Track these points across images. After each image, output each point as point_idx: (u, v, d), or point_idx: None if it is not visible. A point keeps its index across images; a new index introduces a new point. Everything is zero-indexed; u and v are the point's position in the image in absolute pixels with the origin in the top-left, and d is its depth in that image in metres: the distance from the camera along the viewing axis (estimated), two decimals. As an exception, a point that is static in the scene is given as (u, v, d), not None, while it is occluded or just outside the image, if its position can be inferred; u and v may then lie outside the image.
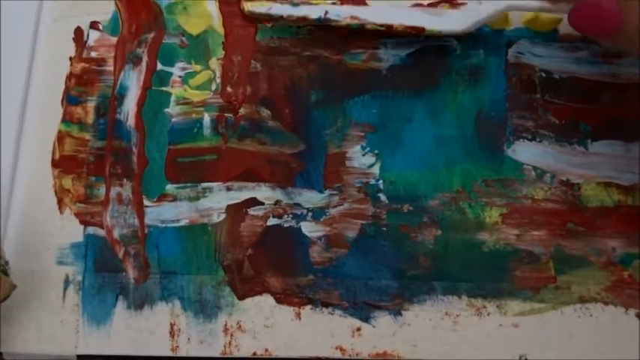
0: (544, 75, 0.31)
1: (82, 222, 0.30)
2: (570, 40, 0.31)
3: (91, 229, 0.30)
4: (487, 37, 0.31)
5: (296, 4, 0.31)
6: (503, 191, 0.29)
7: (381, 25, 0.30)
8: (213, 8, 0.32)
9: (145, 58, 0.32)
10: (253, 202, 0.30)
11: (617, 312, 0.28)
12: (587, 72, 0.31)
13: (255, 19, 0.31)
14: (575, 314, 0.28)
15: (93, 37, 0.32)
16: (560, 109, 0.30)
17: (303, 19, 0.31)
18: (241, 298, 0.29)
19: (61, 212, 0.30)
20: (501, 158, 0.30)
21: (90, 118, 0.31)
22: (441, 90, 0.31)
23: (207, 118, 0.31)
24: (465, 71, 0.31)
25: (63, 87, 0.32)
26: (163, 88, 0.31)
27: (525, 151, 0.30)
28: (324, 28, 0.32)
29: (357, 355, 0.28)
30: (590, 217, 0.29)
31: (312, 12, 0.31)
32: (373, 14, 0.30)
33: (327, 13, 0.30)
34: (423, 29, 0.30)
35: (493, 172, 0.30)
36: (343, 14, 0.30)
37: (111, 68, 0.32)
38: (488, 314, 0.28)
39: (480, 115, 0.30)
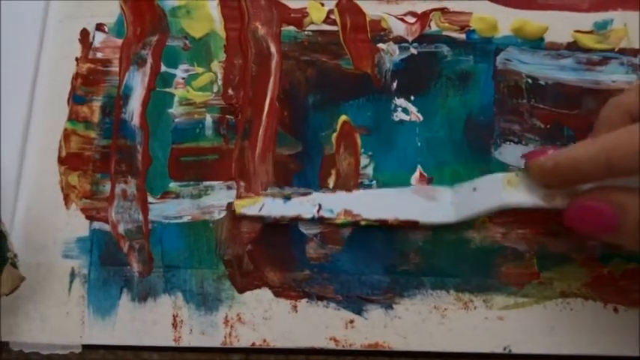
0: (530, 81, 0.31)
1: (87, 217, 0.30)
2: (555, 49, 0.32)
3: (96, 224, 0.30)
4: (476, 44, 0.32)
5: (287, 197, 0.30)
6: (491, 191, 0.30)
7: (376, 221, 0.29)
8: (215, 12, 0.33)
9: (149, 60, 0.32)
10: (253, 200, 0.30)
11: (596, 306, 0.29)
12: (571, 79, 0.31)
13: (248, 220, 0.30)
14: (556, 308, 0.29)
15: (98, 38, 0.33)
16: (545, 114, 0.31)
17: (296, 218, 0.29)
18: (241, 291, 0.29)
19: (67, 207, 0.30)
20: (489, 160, 0.30)
21: (95, 117, 0.32)
22: (432, 94, 0.31)
23: (209, 119, 0.31)
24: (455, 77, 0.31)
25: (69, 86, 0.32)
26: (167, 90, 0.32)
27: (512, 154, 0.30)
28: (322, 34, 0.32)
29: (350, 345, 0.28)
30: (572, 217, 0.30)
31: (305, 210, 0.29)
32: (366, 207, 0.29)
33: (320, 209, 0.29)
34: (416, 223, 0.29)
35: (481, 173, 0.29)
36: (336, 209, 0.29)
37: (116, 69, 0.32)
38: (475, 308, 0.29)
39: (469, 119, 0.31)
